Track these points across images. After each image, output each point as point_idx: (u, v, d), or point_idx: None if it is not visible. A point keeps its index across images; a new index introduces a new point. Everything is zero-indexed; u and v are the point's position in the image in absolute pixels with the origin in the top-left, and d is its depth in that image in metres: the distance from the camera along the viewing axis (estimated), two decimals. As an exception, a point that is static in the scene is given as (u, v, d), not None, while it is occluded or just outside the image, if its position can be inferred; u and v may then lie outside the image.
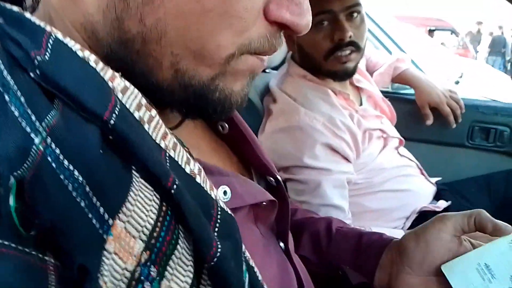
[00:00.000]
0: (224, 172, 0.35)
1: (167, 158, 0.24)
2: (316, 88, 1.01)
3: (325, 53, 0.96)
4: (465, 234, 0.45)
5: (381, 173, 1.01)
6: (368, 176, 0.99)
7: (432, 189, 1.10)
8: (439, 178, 1.18)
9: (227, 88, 0.30)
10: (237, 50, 0.28)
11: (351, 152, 0.93)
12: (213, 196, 0.27)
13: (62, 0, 0.27)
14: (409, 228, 0.99)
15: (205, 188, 0.26)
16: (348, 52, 0.95)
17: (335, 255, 0.55)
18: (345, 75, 1.00)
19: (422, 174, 1.11)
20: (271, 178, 0.43)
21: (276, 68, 1.32)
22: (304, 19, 0.30)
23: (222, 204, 0.27)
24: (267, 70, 1.32)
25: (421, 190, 1.05)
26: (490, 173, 1.23)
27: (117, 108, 0.22)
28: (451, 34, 8.97)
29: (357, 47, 0.96)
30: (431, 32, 8.70)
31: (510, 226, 0.43)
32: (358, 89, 1.13)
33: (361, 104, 1.10)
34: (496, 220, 0.44)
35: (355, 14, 0.95)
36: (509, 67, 9.35)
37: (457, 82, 2.14)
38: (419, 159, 1.15)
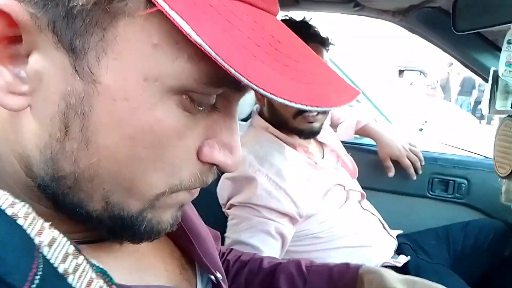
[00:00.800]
0: None
1: None
2: (274, 141, 1.06)
3: (294, 113, 1.02)
4: None
5: (343, 226, 1.04)
6: (331, 229, 1.02)
7: (394, 244, 1.12)
8: (401, 231, 1.21)
9: (155, 218, 0.32)
10: (168, 189, 0.30)
11: (293, 205, 0.96)
12: None
13: (5, 128, 0.29)
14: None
15: None
16: (315, 113, 1.01)
17: None
18: (311, 133, 1.06)
19: (384, 228, 1.14)
20: (212, 276, 0.44)
21: (245, 119, 1.36)
22: (234, 159, 0.32)
23: None
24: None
25: (382, 246, 1.08)
26: (449, 225, 1.28)
27: (37, 276, 0.23)
28: (420, 74, 9.40)
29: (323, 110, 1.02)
30: (401, 72, 9.09)
31: None
32: (321, 143, 1.17)
33: (323, 158, 1.14)
34: None
35: None
36: (477, 107, 9.78)
37: (421, 129, 2.25)
38: (381, 210, 1.18)
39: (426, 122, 2.46)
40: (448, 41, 1.14)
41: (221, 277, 0.45)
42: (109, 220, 0.30)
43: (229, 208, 1.00)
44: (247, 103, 1.28)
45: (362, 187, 1.19)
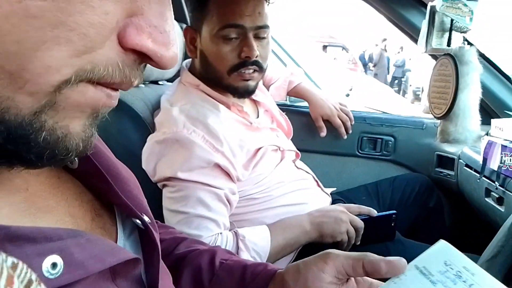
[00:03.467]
0: (54, 235, 0.26)
1: None
2: (206, 99, 0.97)
3: (230, 67, 0.94)
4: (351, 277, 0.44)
5: (280, 186, 1.01)
6: (267, 189, 0.98)
7: (328, 200, 1.12)
8: (334, 189, 1.22)
9: (60, 127, 0.23)
10: (74, 76, 0.22)
11: (232, 168, 0.90)
12: None
13: None
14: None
15: None
16: (251, 70, 0.95)
17: None
18: (246, 92, 0.99)
19: (318, 186, 1.13)
20: (138, 221, 0.36)
21: (171, 80, 1.25)
22: (170, 50, 0.25)
23: None
24: (160, 82, 1.24)
25: (317, 203, 1.06)
26: (378, 180, 1.31)
27: None
28: (342, 50, 9.81)
29: (260, 67, 0.96)
30: (325, 47, 9.41)
31: (403, 259, 0.41)
32: (256, 102, 1.12)
33: (257, 117, 1.09)
34: (388, 258, 0.42)
35: (263, 35, 0.95)
36: (394, 82, 10.53)
37: (347, 95, 2.32)
38: (314, 170, 1.17)
39: (351, 89, 2.53)
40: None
41: (150, 221, 0.36)
42: None
43: (167, 179, 0.88)
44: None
45: (297, 148, 1.16)
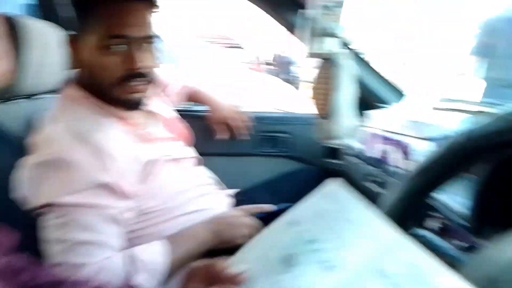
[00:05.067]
0: None
1: None
2: (94, 112, 0.91)
3: (115, 80, 0.89)
4: None
5: (179, 196, 0.98)
6: (165, 201, 0.95)
7: (231, 202, 1.14)
8: (237, 190, 1.24)
9: None
10: None
11: (123, 185, 0.85)
12: None
13: None
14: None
15: None
16: (138, 83, 0.91)
17: None
18: (134, 105, 0.95)
19: (221, 189, 1.14)
20: None
21: (51, 92, 1.15)
22: None
23: None
24: (40, 96, 1.13)
25: (220, 206, 1.07)
26: (278, 176, 1.37)
27: None
28: (243, 51, 10.04)
29: (148, 79, 0.92)
30: (225, 49, 9.52)
31: None
32: (149, 112, 1.08)
33: (151, 128, 1.05)
34: None
35: (149, 46, 0.91)
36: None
37: (251, 95, 2.38)
38: (217, 173, 1.18)
39: (254, 88, 2.61)
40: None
41: None
42: None
43: (45, 206, 0.80)
44: (54, 71, 1.07)
45: (198, 153, 1.15)
